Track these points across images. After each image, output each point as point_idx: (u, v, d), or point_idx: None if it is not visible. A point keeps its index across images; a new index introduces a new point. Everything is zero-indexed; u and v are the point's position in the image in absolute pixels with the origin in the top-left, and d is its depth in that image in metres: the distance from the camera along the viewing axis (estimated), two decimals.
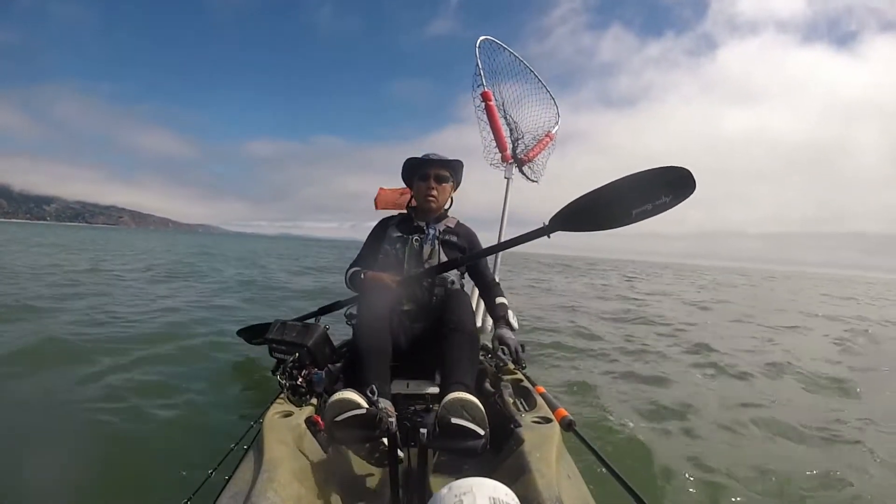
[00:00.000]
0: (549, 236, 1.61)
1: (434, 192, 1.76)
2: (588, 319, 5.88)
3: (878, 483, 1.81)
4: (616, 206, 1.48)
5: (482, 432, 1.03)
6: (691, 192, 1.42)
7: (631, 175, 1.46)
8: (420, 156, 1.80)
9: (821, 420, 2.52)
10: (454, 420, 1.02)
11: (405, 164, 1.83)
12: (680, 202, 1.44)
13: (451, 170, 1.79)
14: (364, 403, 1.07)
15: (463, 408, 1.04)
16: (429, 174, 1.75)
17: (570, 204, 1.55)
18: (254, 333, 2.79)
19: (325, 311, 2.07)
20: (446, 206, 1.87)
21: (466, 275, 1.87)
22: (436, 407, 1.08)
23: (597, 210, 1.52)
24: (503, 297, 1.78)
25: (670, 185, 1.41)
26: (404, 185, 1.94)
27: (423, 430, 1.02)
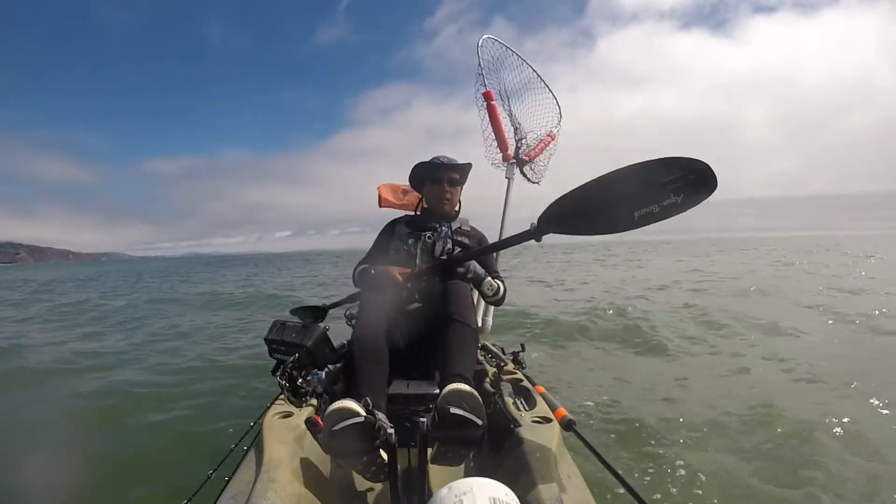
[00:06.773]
0: (538, 240, 1.35)
1: (448, 195, 1.77)
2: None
3: None
4: (615, 206, 1.21)
5: (480, 422, 1.04)
6: (711, 193, 1.12)
7: (632, 166, 1.17)
8: (429, 159, 1.79)
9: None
10: (453, 410, 1.03)
11: (415, 168, 1.82)
12: (694, 205, 1.13)
13: (461, 173, 1.81)
14: (362, 412, 1.05)
15: (461, 398, 1.05)
16: (442, 178, 1.76)
17: (560, 200, 1.30)
18: (307, 313, 2.09)
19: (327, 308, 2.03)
20: (456, 209, 1.87)
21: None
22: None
23: (592, 210, 1.25)
24: (500, 281, 1.68)
25: (682, 182, 1.12)
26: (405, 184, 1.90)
27: (423, 420, 1.04)
